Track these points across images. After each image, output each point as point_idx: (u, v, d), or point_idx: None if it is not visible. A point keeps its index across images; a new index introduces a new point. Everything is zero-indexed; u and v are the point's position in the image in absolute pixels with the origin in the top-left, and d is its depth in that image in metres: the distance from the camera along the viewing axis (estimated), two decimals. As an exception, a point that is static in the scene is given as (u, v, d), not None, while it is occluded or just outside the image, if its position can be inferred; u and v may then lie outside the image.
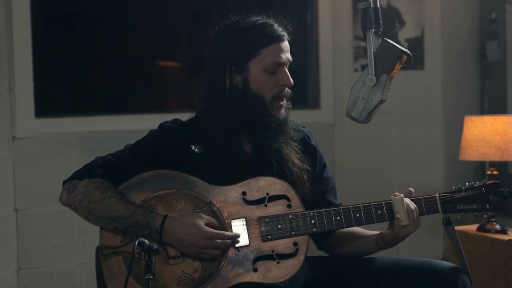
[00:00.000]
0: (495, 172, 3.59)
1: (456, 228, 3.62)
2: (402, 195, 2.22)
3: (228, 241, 2.18)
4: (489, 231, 3.59)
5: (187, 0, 4.39)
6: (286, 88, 2.28)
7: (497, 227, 3.59)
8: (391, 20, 4.48)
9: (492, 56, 4.45)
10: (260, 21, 2.26)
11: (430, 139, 4.51)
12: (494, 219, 3.61)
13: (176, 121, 2.35)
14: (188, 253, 2.17)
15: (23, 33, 3.81)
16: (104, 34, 4.25)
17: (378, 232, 2.31)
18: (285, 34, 2.28)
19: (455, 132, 3.94)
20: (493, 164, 3.63)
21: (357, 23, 4.25)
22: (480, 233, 3.60)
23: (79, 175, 2.26)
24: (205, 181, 2.24)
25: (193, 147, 2.28)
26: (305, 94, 4.56)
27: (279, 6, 4.46)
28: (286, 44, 2.27)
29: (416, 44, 4.49)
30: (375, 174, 4.48)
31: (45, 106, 3.95)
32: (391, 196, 2.23)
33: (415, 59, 4.44)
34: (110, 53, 4.26)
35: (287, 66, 2.28)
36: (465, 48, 4.57)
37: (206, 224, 2.17)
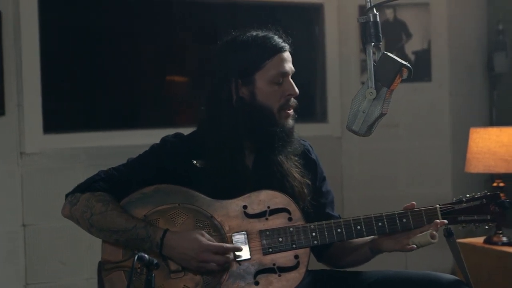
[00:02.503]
0: (501, 184, 3.57)
1: (463, 240, 3.64)
2: (429, 232, 2.19)
3: (228, 255, 2.18)
4: (495, 243, 3.56)
5: (196, 16, 4.41)
6: (292, 98, 2.30)
7: (504, 239, 3.56)
8: (398, 33, 4.49)
9: (500, 68, 4.44)
10: (261, 35, 2.30)
11: (438, 151, 4.50)
12: (500, 232, 3.58)
13: (177, 135, 2.37)
14: (189, 267, 2.17)
15: (31, 49, 3.81)
16: (112, 49, 4.26)
17: (369, 239, 2.31)
18: (287, 45, 2.31)
19: (463, 144, 3.91)
20: (500, 176, 3.61)
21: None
22: (487, 246, 3.58)
23: (81, 188, 2.28)
24: (206, 195, 2.25)
25: (194, 162, 2.30)
26: (312, 108, 4.56)
27: (286, 20, 4.45)
28: (288, 55, 2.31)
29: (423, 56, 4.49)
30: (383, 187, 4.47)
31: (53, 122, 3.94)
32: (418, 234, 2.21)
33: (422, 71, 4.46)
34: (118, 69, 4.26)
35: (291, 76, 2.31)
36: (472, 59, 4.56)
37: None
